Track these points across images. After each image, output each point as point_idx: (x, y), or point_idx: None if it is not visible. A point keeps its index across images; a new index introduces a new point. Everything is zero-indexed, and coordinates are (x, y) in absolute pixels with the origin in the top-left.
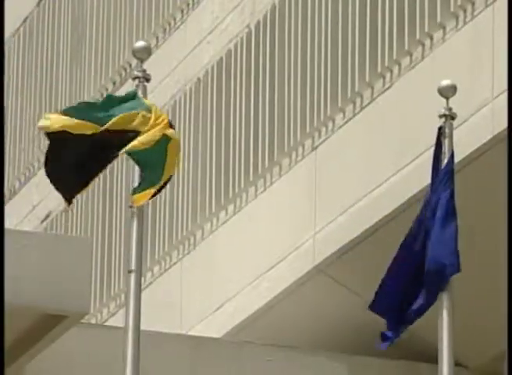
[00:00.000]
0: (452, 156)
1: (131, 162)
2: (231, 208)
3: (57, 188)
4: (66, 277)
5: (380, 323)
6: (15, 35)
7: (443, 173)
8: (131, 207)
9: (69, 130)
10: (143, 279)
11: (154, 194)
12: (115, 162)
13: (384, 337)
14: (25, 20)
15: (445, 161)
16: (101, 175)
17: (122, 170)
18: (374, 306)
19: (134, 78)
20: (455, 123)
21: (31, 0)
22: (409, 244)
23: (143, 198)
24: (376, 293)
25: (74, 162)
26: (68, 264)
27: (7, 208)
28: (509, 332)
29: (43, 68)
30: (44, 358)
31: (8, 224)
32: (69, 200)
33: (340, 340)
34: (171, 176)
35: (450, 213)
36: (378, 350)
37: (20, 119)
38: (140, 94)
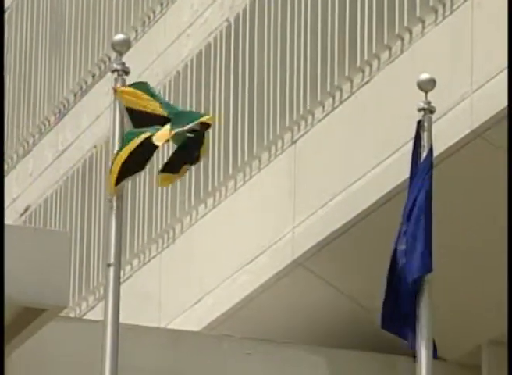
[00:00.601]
0: (431, 150)
1: (110, 148)
2: (210, 201)
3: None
4: (45, 271)
5: (359, 316)
6: None
7: (422, 167)
8: (110, 201)
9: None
10: (122, 272)
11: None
12: (94, 153)
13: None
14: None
15: (424, 154)
16: (79, 168)
17: (102, 163)
18: (386, 325)
19: (113, 71)
20: (434, 116)
21: None
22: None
23: (168, 180)
24: (383, 309)
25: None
26: (47, 258)
27: None
28: (509, 328)
29: (22, 60)
30: (23, 351)
31: None
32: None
33: (319, 333)
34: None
35: (426, 214)
36: (356, 343)
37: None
38: None
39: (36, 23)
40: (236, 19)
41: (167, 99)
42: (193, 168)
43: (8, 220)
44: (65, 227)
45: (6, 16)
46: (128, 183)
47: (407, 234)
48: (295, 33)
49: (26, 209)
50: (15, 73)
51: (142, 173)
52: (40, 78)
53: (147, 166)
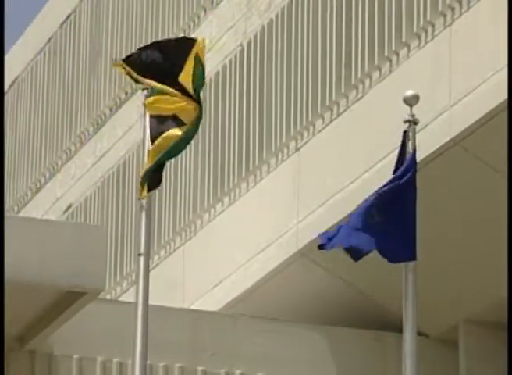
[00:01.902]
0: (414, 156)
1: (141, 155)
2: (226, 200)
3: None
4: (85, 260)
5: (353, 298)
6: (40, 53)
7: (404, 169)
8: (139, 199)
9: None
10: (151, 261)
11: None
12: (126, 158)
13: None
14: (49, 40)
15: (408, 160)
16: (114, 172)
17: (133, 167)
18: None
19: (143, 89)
20: (417, 127)
21: (54, 22)
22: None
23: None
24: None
25: None
26: (86, 248)
27: (34, 201)
28: (509, 320)
29: (65, 81)
30: (66, 330)
31: (35, 214)
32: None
33: (319, 313)
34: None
35: (411, 209)
36: (351, 321)
37: (46, 124)
38: None
39: (77, 48)
40: (249, 44)
41: None
42: (211, 171)
43: (53, 217)
44: (102, 222)
45: (51, 43)
46: None
47: (388, 217)
48: (299, 56)
49: (69, 207)
50: (58, 91)
51: (168, 176)
52: (80, 95)
53: (172, 169)
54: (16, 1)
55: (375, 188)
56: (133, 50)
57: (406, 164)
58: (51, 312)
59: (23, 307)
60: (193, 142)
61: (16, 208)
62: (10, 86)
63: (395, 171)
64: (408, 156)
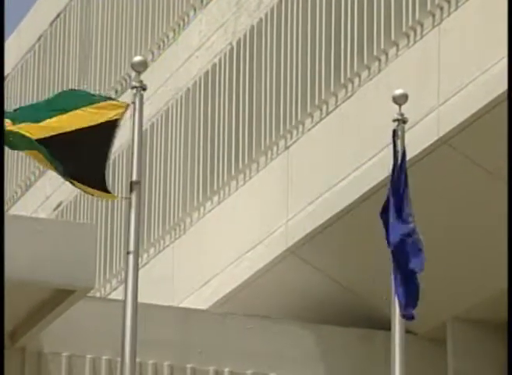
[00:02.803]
0: (404, 155)
1: (130, 154)
2: (216, 198)
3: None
4: (75, 257)
5: (342, 296)
6: (31, 51)
7: (398, 170)
8: (127, 198)
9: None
10: (140, 259)
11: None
12: (116, 157)
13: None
14: (39, 38)
15: (399, 159)
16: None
17: (123, 166)
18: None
19: (133, 88)
20: (406, 126)
21: (44, 20)
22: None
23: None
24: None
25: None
26: (76, 246)
27: (24, 199)
28: (509, 319)
29: (55, 79)
30: (56, 327)
31: (24, 212)
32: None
33: (308, 311)
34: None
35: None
36: (340, 319)
37: None
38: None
39: (67, 46)
40: (238, 43)
41: (175, 111)
42: (201, 170)
43: (43, 214)
44: (92, 220)
45: (41, 41)
46: (145, 183)
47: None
48: (288, 55)
49: (59, 205)
50: (48, 89)
51: (158, 175)
52: None
53: (162, 167)
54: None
55: (364, 186)
56: (123, 49)
57: (398, 169)
58: (41, 309)
59: (13, 305)
60: (182, 140)
61: (5, 207)
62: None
63: (393, 170)
64: (399, 157)
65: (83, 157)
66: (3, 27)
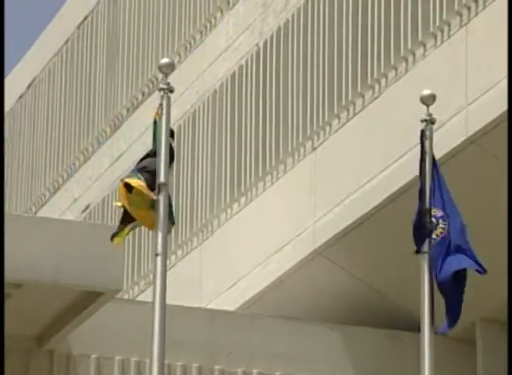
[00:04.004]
0: (433, 155)
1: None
2: (243, 200)
3: None
4: (103, 260)
5: (370, 297)
6: (58, 54)
7: (431, 170)
8: (157, 200)
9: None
10: (168, 261)
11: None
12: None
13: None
14: (66, 41)
15: (427, 159)
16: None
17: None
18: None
19: (160, 90)
20: (434, 126)
21: (72, 23)
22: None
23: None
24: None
25: None
26: (104, 248)
27: (52, 201)
28: (509, 321)
29: (82, 81)
30: (84, 329)
31: (52, 214)
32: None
33: (336, 312)
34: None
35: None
36: (368, 321)
37: (63, 125)
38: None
39: (94, 49)
40: (265, 45)
41: (202, 113)
42: (228, 171)
43: (71, 217)
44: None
45: (69, 44)
46: (173, 184)
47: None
48: (315, 56)
49: (87, 208)
50: (76, 92)
51: (185, 176)
52: (98, 96)
53: (189, 169)
54: (34, 3)
55: (392, 187)
56: (150, 51)
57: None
58: (69, 312)
59: (41, 307)
60: (209, 142)
61: (33, 209)
62: (28, 87)
63: (420, 171)
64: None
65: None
66: (3, 28)
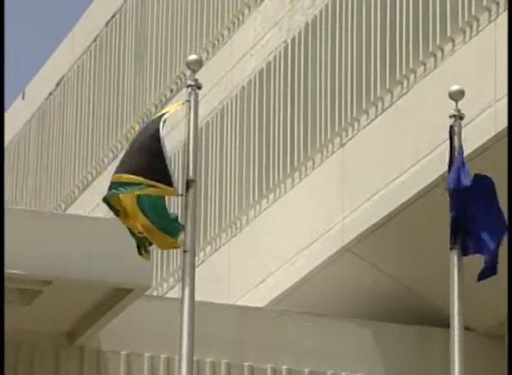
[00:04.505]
0: (462, 151)
1: (185, 152)
2: (271, 196)
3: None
4: (132, 256)
5: (400, 293)
6: (86, 52)
7: (460, 166)
8: (182, 195)
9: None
10: (196, 257)
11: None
12: (172, 155)
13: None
14: (95, 39)
15: (456, 155)
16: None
17: (178, 165)
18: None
19: (188, 86)
20: (463, 122)
21: (100, 20)
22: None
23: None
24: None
25: None
26: (133, 245)
27: (81, 199)
28: (509, 324)
29: (111, 79)
30: (114, 326)
31: (82, 212)
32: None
33: (366, 308)
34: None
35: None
36: (397, 317)
37: (92, 122)
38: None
39: (123, 46)
40: (293, 41)
41: (230, 110)
42: (256, 168)
43: (100, 214)
44: None
45: (97, 41)
46: (201, 181)
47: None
48: (343, 52)
49: None
50: (104, 89)
51: (214, 173)
52: (126, 93)
53: (218, 166)
54: (62, 1)
55: (421, 183)
56: (178, 48)
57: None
58: (99, 308)
59: (71, 304)
60: (238, 138)
61: (63, 206)
62: (57, 84)
63: (449, 167)
64: (457, 155)
65: (139, 152)
66: (3, 28)
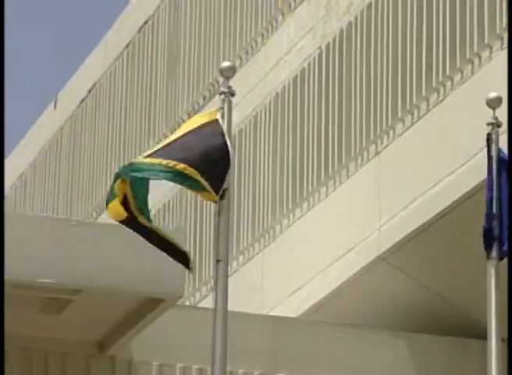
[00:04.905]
0: (500, 159)
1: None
2: (305, 205)
3: None
4: (163, 265)
5: (436, 304)
6: (119, 58)
7: (497, 174)
8: (216, 202)
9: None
10: (229, 267)
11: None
12: None
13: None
14: (127, 45)
15: (494, 164)
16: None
17: None
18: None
19: (221, 93)
20: (500, 130)
21: (133, 27)
22: None
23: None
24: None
25: None
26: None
27: None
28: (509, 322)
29: (143, 85)
30: (145, 336)
31: (107, 218)
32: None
33: (401, 320)
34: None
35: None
36: (432, 328)
37: (124, 129)
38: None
39: (155, 53)
40: (327, 47)
41: (264, 117)
42: (290, 176)
43: None
44: (181, 225)
45: (130, 48)
46: (234, 189)
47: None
48: (378, 59)
49: None
50: (137, 96)
51: (247, 181)
52: (158, 100)
53: (251, 174)
54: (96, 8)
55: (458, 192)
56: (211, 54)
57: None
58: (130, 318)
59: (102, 313)
60: (271, 146)
61: (94, 215)
62: (89, 91)
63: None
64: (494, 164)
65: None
66: (3, 28)
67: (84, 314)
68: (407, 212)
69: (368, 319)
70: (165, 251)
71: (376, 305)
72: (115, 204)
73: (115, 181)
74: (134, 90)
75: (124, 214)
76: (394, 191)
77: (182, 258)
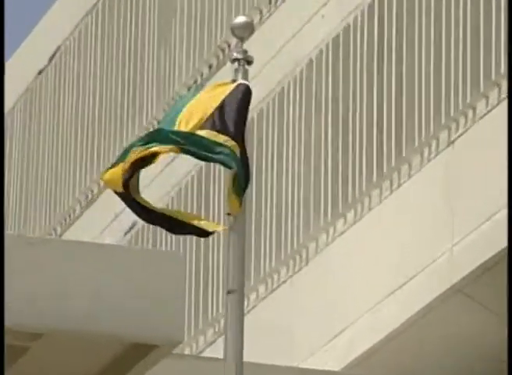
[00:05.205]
0: None
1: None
2: (350, 215)
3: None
4: (155, 300)
5: None
6: (90, 13)
7: None
8: (229, 214)
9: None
10: (245, 301)
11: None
12: (210, 166)
13: None
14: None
15: None
16: (194, 178)
17: (220, 175)
18: None
19: (233, 60)
20: None
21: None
22: None
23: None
24: None
25: None
26: (157, 284)
27: (84, 217)
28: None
29: (125, 52)
30: None
31: (86, 237)
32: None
33: (481, 370)
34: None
35: None
36: None
37: (101, 112)
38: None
39: (142, 4)
40: None
41: (292, 94)
42: (329, 176)
43: (110, 240)
44: (178, 248)
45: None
46: (252, 197)
47: None
48: (450, 10)
49: (132, 227)
50: (117, 65)
51: (270, 183)
52: (146, 70)
53: (275, 173)
54: None
55: None
56: (219, 7)
57: None
58: (112, 370)
59: (70, 365)
60: (303, 135)
61: (58, 229)
62: (50, 59)
63: None
64: None
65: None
66: (3, 27)
67: (44, 365)
68: (491, 225)
69: (436, 372)
70: (168, 230)
71: (448, 353)
72: (117, 171)
73: (135, 146)
74: (112, 56)
75: (121, 187)
76: (473, 194)
77: (194, 229)
